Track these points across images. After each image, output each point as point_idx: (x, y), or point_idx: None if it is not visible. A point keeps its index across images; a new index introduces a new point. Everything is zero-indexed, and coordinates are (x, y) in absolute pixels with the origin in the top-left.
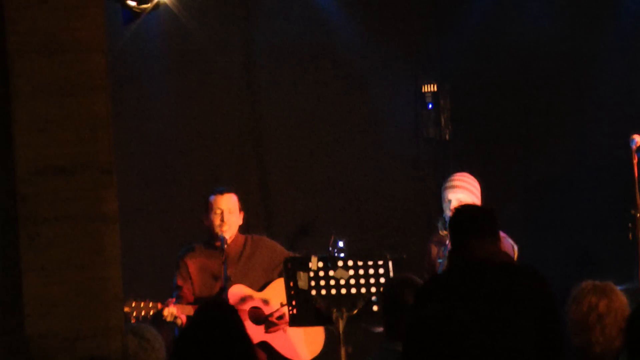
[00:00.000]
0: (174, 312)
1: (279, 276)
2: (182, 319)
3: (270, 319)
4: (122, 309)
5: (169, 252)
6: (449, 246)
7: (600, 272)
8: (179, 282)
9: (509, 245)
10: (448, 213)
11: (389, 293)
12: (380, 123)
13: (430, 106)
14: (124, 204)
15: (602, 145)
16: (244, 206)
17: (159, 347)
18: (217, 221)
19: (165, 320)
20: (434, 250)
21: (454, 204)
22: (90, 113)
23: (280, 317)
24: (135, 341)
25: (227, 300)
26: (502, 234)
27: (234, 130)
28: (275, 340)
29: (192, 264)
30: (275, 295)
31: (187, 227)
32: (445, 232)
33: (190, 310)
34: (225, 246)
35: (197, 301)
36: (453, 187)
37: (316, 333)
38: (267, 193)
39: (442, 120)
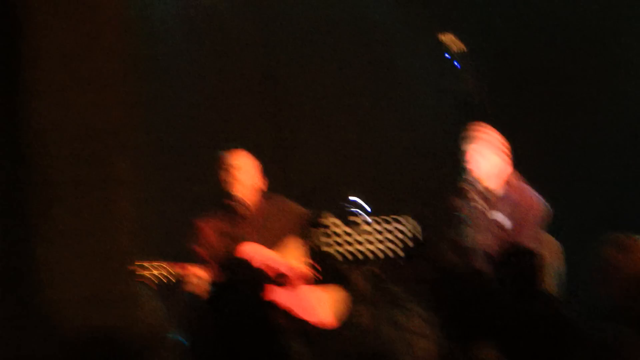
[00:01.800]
0: (199, 274)
1: (296, 235)
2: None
3: (285, 277)
4: (137, 275)
5: (186, 216)
6: (472, 203)
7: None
8: (197, 249)
9: (535, 197)
10: (468, 167)
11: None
12: (404, 78)
13: (457, 65)
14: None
15: (632, 99)
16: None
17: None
18: (226, 178)
19: (187, 284)
20: (457, 203)
21: (475, 157)
22: (104, 75)
23: (297, 275)
24: None
25: (243, 260)
26: (527, 186)
27: (249, 90)
28: (292, 300)
29: (207, 228)
30: (293, 254)
31: (203, 191)
32: (466, 186)
33: (212, 273)
34: (237, 204)
35: (217, 264)
36: (474, 138)
37: (334, 293)
38: (283, 153)
39: (470, 79)
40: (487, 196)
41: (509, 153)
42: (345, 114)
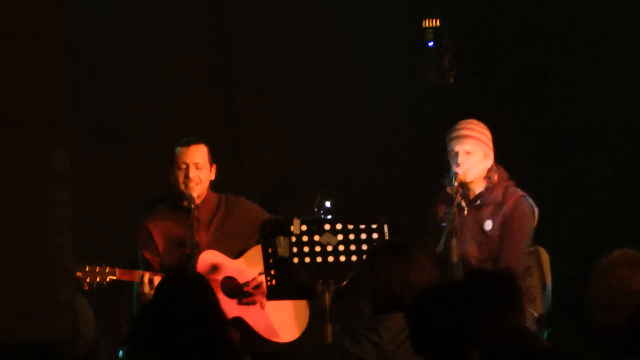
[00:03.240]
0: (145, 282)
1: (257, 243)
2: None
3: (245, 288)
4: (73, 281)
5: (129, 215)
6: (455, 208)
7: (633, 241)
8: (145, 254)
9: (529, 207)
10: (454, 169)
11: (371, 261)
12: (372, 64)
13: (431, 44)
14: (76, 161)
15: (632, 93)
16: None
17: (87, 314)
18: (182, 177)
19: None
20: (441, 210)
21: (462, 157)
22: (38, 57)
23: (257, 287)
24: None
25: (194, 269)
26: (520, 193)
27: (201, 75)
28: (251, 316)
29: (156, 229)
30: (253, 264)
31: (149, 187)
32: (451, 190)
33: (155, 283)
34: (193, 206)
35: (162, 270)
36: (460, 137)
37: (298, 309)
38: (241, 147)
39: (445, 61)
40: (473, 201)
41: (497, 152)
42: (311, 107)
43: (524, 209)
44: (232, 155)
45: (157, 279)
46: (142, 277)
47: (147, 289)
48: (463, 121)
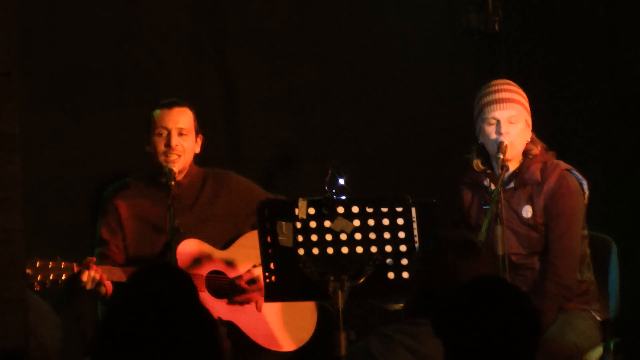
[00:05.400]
0: (96, 276)
1: (253, 229)
2: (108, 288)
3: (237, 282)
4: (24, 275)
5: (91, 196)
6: (500, 187)
7: None
8: (104, 234)
9: (575, 182)
10: (498, 138)
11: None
12: (397, 4)
13: None
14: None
15: None
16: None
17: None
18: (161, 146)
19: (83, 288)
20: (467, 195)
21: (505, 126)
22: None
23: (252, 282)
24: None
25: (174, 261)
26: (563, 165)
27: (186, 26)
28: (245, 320)
29: (125, 208)
30: (246, 255)
31: (119, 161)
32: (481, 167)
33: (120, 274)
34: (173, 183)
35: (131, 262)
36: (501, 100)
37: (304, 311)
38: (233, 113)
39: (490, 4)
40: (510, 181)
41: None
42: (319, 62)
43: (570, 185)
44: (223, 122)
45: (107, 276)
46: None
47: (90, 284)
48: (498, 81)
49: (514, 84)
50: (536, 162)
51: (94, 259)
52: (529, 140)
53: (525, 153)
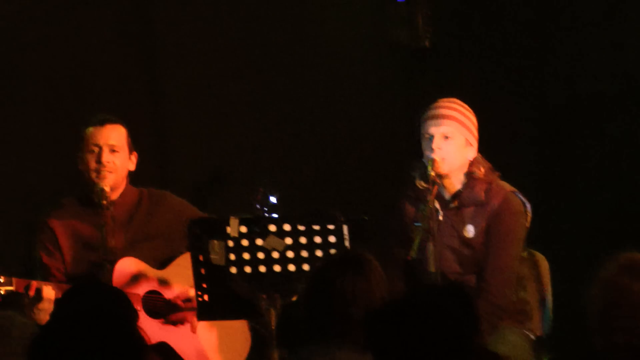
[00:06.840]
0: (47, 294)
1: (188, 249)
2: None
3: (173, 301)
4: None
5: (26, 211)
6: (432, 203)
7: None
8: (44, 258)
9: (519, 204)
10: (429, 154)
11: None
12: (326, 19)
13: None
14: None
15: None
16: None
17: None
18: (92, 163)
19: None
20: (409, 210)
21: (439, 142)
22: None
23: (188, 301)
24: None
25: (108, 280)
26: (508, 188)
27: (115, 41)
28: (179, 340)
29: (61, 229)
30: (183, 275)
31: (52, 177)
32: (424, 185)
33: (56, 291)
34: (105, 202)
35: (69, 282)
36: (437, 116)
37: (237, 331)
38: (163, 131)
39: (419, 20)
40: (449, 202)
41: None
42: (249, 79)
43: (514, 207)
44: (154, 140)
45: (48, 291)
46: (26, 288)
47: (42, 306)
48: (443, 99)
49: (460, 102)
50: (481, 182)
51: (35, 282)
52: (471, 159)
53: (469, 173)
